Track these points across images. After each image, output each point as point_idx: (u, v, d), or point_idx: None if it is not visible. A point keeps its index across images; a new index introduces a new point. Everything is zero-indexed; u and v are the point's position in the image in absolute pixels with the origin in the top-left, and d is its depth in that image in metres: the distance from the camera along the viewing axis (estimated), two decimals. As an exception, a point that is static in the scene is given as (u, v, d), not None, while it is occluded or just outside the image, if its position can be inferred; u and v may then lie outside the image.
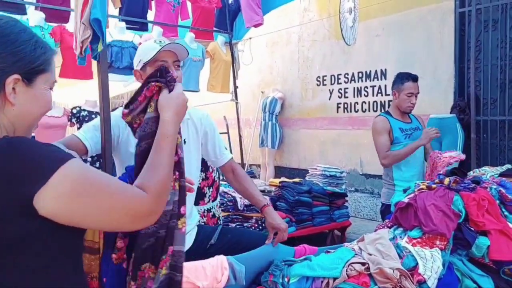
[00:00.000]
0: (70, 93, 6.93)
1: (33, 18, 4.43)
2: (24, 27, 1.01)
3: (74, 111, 4.98)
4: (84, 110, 4.99)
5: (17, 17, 4.41)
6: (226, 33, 5.85)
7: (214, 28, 5.81)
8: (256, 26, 5.54)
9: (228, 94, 6.11)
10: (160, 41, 1.92)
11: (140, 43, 4.56)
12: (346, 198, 4.98)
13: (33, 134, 4.46)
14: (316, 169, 5.17)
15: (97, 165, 4.68)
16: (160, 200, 1.07)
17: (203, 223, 2.89)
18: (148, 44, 1.94)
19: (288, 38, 7.19)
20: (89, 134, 1.93)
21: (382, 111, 5.68)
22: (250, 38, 7.07)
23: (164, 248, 1.26)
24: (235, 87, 6.01)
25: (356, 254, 1.92)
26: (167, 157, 1.14)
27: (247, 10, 5.43)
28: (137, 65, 1.93)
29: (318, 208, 4.62)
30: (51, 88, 1.07)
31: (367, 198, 5.96)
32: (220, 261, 1.82)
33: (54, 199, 0.89)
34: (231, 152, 6.41)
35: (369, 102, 5.94)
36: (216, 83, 5.82)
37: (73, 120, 4.95)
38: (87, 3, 2.17)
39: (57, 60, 4.51)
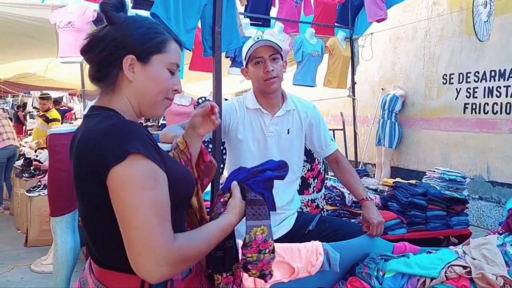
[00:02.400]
0: (199, 86, 7.50)
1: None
2: (145, 19, 1.19)
3: (200, 101, 5.39)
4: (209, 100, 5.37)
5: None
6: (348, 28, 5.82)
7: (335, 24, 5.82)
8: (379, 21, 5.44)
9: (345, 90, 6.08)
10: (258, 38, 2.05)
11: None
12: (467, 205, 4.65)
13: (165, 122, 4.92)
14: (434, 171, 4.91)
15: (209, 149, 5.04)
16: (179, 259, 1.00)
17: (306, 212, 2.98)
18: (247, 43, 2.10)
19: (414, 33, 6.88)
20: None
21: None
22: (371, 33, 6.91)
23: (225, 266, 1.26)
24: (353, 83, 5.95)
25: (459, 257, 1.86)
26: (213, 240, 1.13)
27: (370, 5, 5.35)
28: (243, 64, 2.12)
29: (433, 212, 4.39)
30: (171, 71, 1.17)
31: (492, 208, 5.49)
32: (316, 246, 1.89)
33: (114, 178, 0.98)
34: (345, 149, 6.35)
35: (501, 103, 5.43)
36: (333, 78, 5.83)
37: (199, 109, 5.37)
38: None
39: (187, 56, 4.94)
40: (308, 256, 1.85)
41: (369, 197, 2.18)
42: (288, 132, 2.16)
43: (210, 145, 5.01)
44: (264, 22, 5.14)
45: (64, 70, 7.45)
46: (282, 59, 2.10)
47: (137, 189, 0.98)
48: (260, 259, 1.18)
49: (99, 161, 1.00)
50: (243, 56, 2.13)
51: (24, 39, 5.49)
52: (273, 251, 1.22)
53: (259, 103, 2.13)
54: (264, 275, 1.22)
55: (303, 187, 3.00)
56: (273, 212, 2.09)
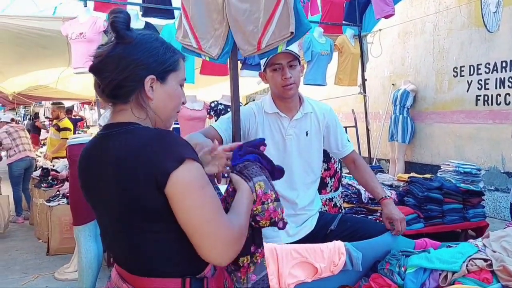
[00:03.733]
0: (210, 90, 7.54)
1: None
2: (156, 37, 1.23)
3: (212, 105, 5.45)
4: (221, 104, 5.43)
5: (166, 21, 4.99)
6: (356, 25, 5.83)
7: (343, 22, 5.84)
8: (386, 17, 5.45)
9: (356, 87, 6.09)
10: None
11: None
12: (483, 197, 4.65)
13: (178, 126, 4.95)
14: (448, 165, 4.91)
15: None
16: (240, 236, 1.15)
17: (325, 211, 3.02)
18: None
19: (423, 27, 6.87)
20: (224, 126, 2.19)
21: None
22: (379, 30, 6.92)
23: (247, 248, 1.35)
24: (363, 80, 5.97)
25: (479, 250, 1.88)
26: (249, 211, 1.27)
27: (377, 1, 5.36)
28: (261, 68, 2.17)
29: (450, 206, 4.39)
30: (181, 85, 1.25)
31: (508, 198, 5.46)
32: (338, 246, 1.93)
33: (175, 182, 1.05)
34: (358, 145, 6.36)
35: (513, 93, 5.42)
36: (343, 76, 5.85)
37: (211, 113, 5.43)
38: (277, 8, 2.32)
39: (198, 61, 5.00)
40: (331, 256, 1.88)
41: (388, 196, 2.21)
42: (307, 134, 2.20)
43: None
44: (272, 24, 5.17)
45: (75, 80, 7.56)
46: (300, 63, 2.15)
47: (199, 188, 1.08)
48: (265, 209, 1.31)
49: (157, 169, 1.06)
50: (262, 61, 2.18)
51: (37, 49, 5.60)
52: (275, 199, 1.33)
53: (277, 107, 2.18)
54: (274, 222, 1.33)
55: (321, 187, 3.02)
56: (295, 213, 2.14)
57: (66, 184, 5.21)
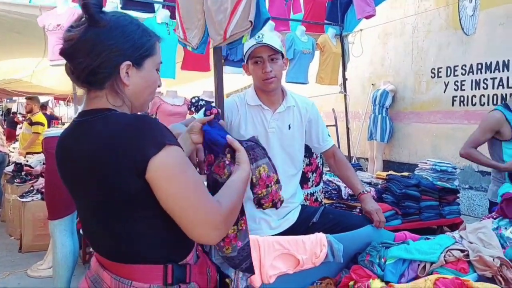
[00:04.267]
0: (192, 86, 7.49)
1: (160, 15, 4.87)
2: (131, 19, 1.18)
3: (193, 100, 5.41)
4: (202, 99, 5.40)
5: (146, 15, 4.93)
6: (337, 25, 5.87)
7: (325, 21, 5.87)
8: (367, 17, 5.50)
9: (337, 86, 6.13)
10: (258, 37, 2.09)
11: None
12: (458, 195, 4.75)
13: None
14: (426, 163, 4.99)
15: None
16: (228, 217, 1.15)
17: (306, 205, 3.03)
18: (250, 41, 2.14)
19: (402, 28, 6.98)
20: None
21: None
22: (361, 30, 7.00)
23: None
24: (344, 80, 6.02)
25: (456, 242, 1.91)
26: (242, 193, 1.26)
27: (359, 1, 5.41)
28: (244, 60, 2.17)
29: (427, 203, 4.47)
30: (157, 70, 1.22)
31: (482, 197, 5.60)
32: (319, 238, 1.93)
33: (156, 168, 1.03)
34: (338, 144, 6.40)
35: (488, 95, 5.55)
36: (325, 75, 5.88)
37: (192, 108, 5.38)
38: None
39: (179, 55, 4.95)
40: (313, 248, 1.88)
41: (366, 191, 2.23)
42: (289, 128, 2.21)
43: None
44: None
45: (52, 74, 7.31)
46: (283, 57, 2.14)
47: (181, 173, 1.07)
48: (269, 192, 1.34)
49: (136, 155, 1.03)
50: (244, 53, 2.17)
51: (12, 34, 5.28)
52: (277, 181, 1.36)
53: (260, 99, 2.18)
54: (275, 204, 1.38)
55: (302, 181, 3.02)
56: None
57: (40, 180, 5.09)
